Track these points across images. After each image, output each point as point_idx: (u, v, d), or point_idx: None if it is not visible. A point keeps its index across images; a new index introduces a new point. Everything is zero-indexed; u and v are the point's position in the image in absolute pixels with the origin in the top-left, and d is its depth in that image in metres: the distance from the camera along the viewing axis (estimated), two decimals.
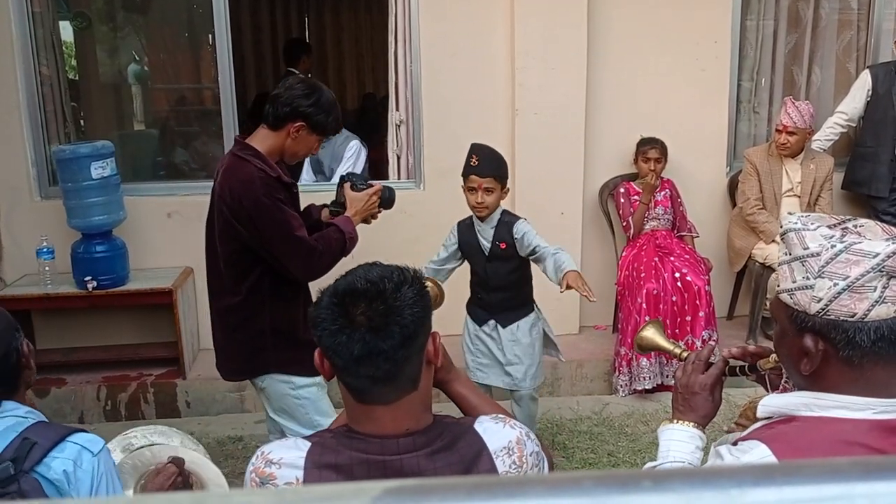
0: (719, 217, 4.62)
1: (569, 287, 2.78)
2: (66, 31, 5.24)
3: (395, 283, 1.33)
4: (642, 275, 4.05)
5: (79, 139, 4.56)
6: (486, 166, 3.00)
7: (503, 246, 3.07)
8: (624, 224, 4.33)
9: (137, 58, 5.58)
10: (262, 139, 2.52)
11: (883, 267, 1.10)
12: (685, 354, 1.60)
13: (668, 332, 4.02)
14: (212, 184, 2.63)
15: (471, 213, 3.13)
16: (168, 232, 4.29)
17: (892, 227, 1.19)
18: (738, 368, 1.50)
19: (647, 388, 4.02)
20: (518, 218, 3.12)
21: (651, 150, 4.26)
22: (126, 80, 5.84)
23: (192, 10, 5.26)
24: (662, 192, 4.33)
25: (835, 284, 1.12)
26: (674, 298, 4.00)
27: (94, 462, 1.56)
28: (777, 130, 4.25)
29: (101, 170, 3.85)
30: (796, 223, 1.19)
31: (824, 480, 0.39)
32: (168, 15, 5.74)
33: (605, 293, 4.47)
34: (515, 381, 3.19)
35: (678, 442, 1.44)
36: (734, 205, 4.50)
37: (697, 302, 4.01)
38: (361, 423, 1.35)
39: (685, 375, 1.49)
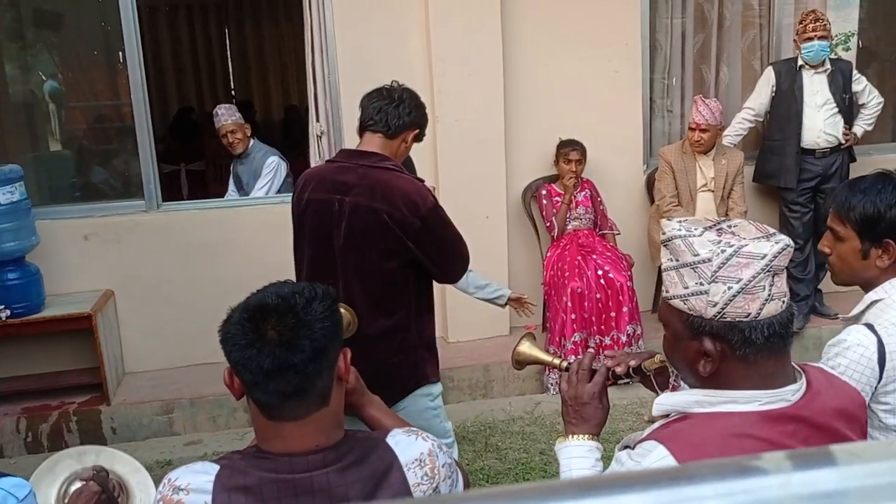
0: (639, 214, 4.74)
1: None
2: None
3: (306, 298, 1.33)
4: (566, 274, 4.13)
5: None
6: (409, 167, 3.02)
7: None
8: (547, 224, 4.41)
9: (45, 77, 5.41)
10: (383, 148, 2.41)
11: (771, 266, 1.16)
12: (565, 364, 1.59)
13: (595, 328, 4.11)
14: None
15: None
16: (85, 255, 4.18)
17: (765, 226, 1.24)
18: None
19: None
20: None
21: (572, 151, 4.35)
22: (38, 99, 5.65)
23: (102, 26, 5.14)
24: (583, 193, 4.43)
25: (729, 288, 1.16)
26: (598, 295, 4.09)
27: None
28: (690, 129, 4.38)
29: (9, 195, 3.73)
30: (680, 230, 1.22)
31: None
32: (80, 31, 5.58)
33: (533, 293, 4.53)
34: None
35: (578, 459, 1.44)
36: (653, 201, 4.63)
37: (621, 298, 4.11)
38: (271, 441, 1.34)
39: (572, 387, 1.48)
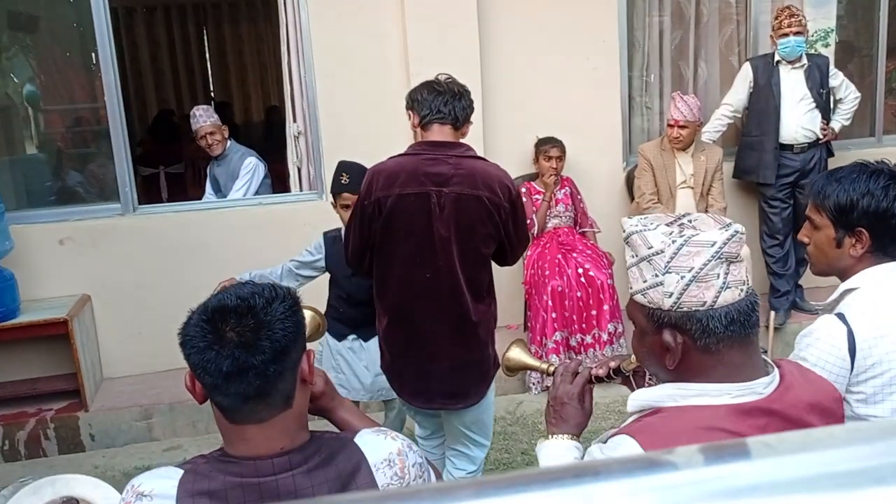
0: (619, 211, 4.73)
1: None
2: None
3: (266, 298, 1.30)
4: (546, 272, 4.12)
5: None
6: (357, 182, 3.00)
7: None
8: (528, 223, 4.39)
9: (16, 79, 5.35)
10: (454, 138, 2.52)
11: (721, 254, 1.16)
12: (552, 369, 1.62)
13: (576, 326, 4.10)
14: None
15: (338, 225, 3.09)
16: (61, 259, 4.13)
17: (723, 218, 1.24)
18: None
19: None
20: None
21: (552, 148, 4.34)
22: (13, 102, 5.59)
23: (76, 28, 5.08)
24: (562, 190, 4.42)
25: (682, 277, 1.17)
26: (578, 294, 4.08)
27: None
28: (669, 125, 4.38)
29: None
30: (636, 226, 1.23)
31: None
32: (54, 34, 5.52)
33: (514, 292, 4.53)
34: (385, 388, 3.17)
35: (555, 459, 1.46)
36: (633, 198, 4.62)
37: (602, 296, 4.10)
38: (234, 444, 1.32)
39: (554, 388, 1.52)
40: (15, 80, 5.28)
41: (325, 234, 3.15)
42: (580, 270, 4.11)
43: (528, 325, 4.27)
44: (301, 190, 4.47)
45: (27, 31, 5.47)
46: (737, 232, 1.18)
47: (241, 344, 1.25)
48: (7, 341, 3.94)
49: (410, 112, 2.55)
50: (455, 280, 2.44)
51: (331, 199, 3.14)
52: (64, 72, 5.85)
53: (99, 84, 4.31)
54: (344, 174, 3.00)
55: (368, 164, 3.09)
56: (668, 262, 1.17)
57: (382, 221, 2.43)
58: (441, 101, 2.48)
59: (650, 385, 1.47)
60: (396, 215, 2.41)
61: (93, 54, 4.40)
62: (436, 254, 2.42)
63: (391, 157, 2.52)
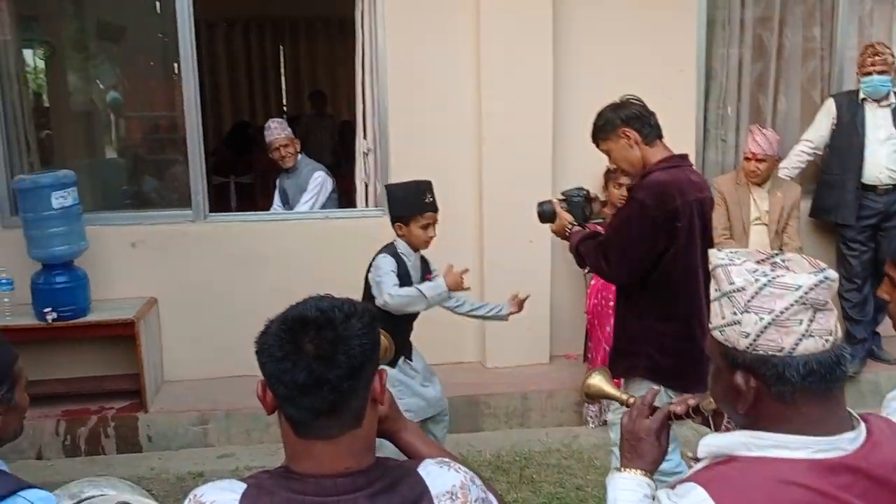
0: None
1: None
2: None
3: (346, 313, 1.29)
4: (611, 303, 4.01)
5: (46, 168, 4.51)
6: (436, 200, 3.06)
7: (430, 277, 3.14)
8: None
9: (102, 86, 5.56)
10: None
11: (806, 299, 1.10)
12: (631, 400, 1.59)
13: None
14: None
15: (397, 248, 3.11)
16: (132, 262, 4.24)
17: (818, 262, 1.17)
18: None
19: None
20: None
21: (623, 176, 4.25)
22: (97, 107, 5.81)
23: (160, 39, 5.26)
24: None
25: (760, 319, 1.12)
26: None
27: None
28: (746, 158, 4.26)
29: (62, 199, 3.80)
30: (723, 259, 1.18)
31: None
32: (139, 44, 5.73)
33: (575, 322, 4.45)
34: (441, 398, 3.24)
35: (625, 491, 1.42)
36: None
37: None
38: (300, 460, 1.31)
39: (631, 421, 1.48)
40: (100, 86, 5.48)
41: (388, 255, 3.06)
42: None
43: (588, 356, 4.18)
44: (367, 206, 4.49)
45: (114, 41, 5.70)
46: (827, 278, 1.11)
47: (319, 357, 1.24)
48: (76, 339, 4.05)
49: (627, 129, 2.72)
50: (707, 271, 2.69)
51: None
52: (146, 80, 6.06)
53: (179, 94, 4.42)
54: (428, 193, 3.05)
55: (438, 185, 3.11)
56: (749, 301, 1.12)
57: (682, 229, 2.60)
58: (654, 118, 2.76)
59: (728, 427, 1.40)
60: (690, 221, 2.62)
61: (175, 65, 4.52)
62: (702, 251, 2.62)
63: (655, 172, 2.65)
